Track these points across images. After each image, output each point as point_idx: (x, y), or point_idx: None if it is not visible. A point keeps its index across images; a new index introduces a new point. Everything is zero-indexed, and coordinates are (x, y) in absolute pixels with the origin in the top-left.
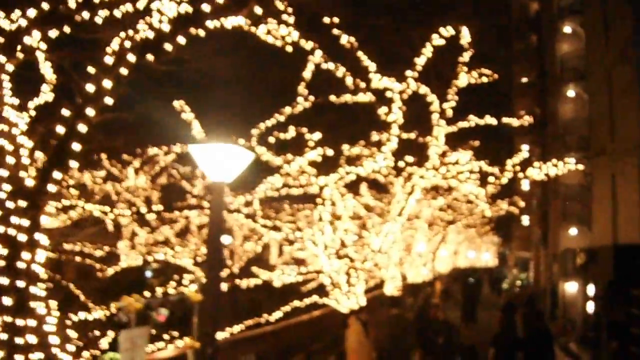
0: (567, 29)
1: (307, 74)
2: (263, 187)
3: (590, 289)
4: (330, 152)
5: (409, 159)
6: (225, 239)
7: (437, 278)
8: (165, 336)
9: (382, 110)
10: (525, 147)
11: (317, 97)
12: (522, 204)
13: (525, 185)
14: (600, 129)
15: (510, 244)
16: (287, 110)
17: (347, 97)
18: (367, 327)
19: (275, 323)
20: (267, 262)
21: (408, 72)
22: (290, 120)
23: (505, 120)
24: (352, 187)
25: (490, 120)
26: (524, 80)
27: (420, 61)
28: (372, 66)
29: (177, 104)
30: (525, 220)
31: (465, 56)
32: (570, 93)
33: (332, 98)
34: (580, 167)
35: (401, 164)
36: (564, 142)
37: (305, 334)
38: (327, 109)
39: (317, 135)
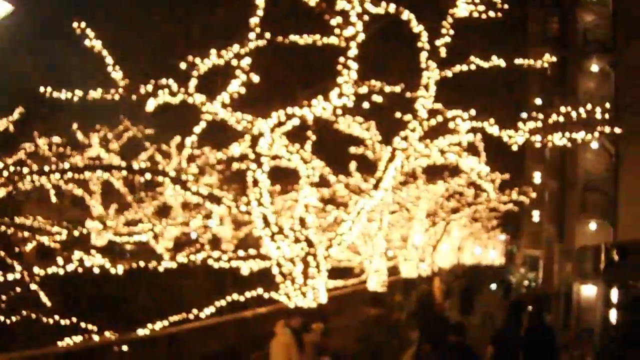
0: None
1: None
2: (189, 140)
3: (614, 294)
4: (256, 78)
5: (378, 98)
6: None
7: (437, 274)
8: None
9: (335, 22)
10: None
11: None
12: (533, 194)
13: (537, 178)
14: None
15: (519, 241)
16: (235, 48)
17: (316, 37)
18: (302, 337)
19: (205, 320)
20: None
21: None
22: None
23: (518, 61)
24: (341, 167)
25: (498, 61)
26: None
27: None
28: None
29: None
30: (536, 215)
31: None
32: (594, 68)
33: (295, 37)
34: (617, 130)
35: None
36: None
37: (242, 337)
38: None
39: (246, 61)
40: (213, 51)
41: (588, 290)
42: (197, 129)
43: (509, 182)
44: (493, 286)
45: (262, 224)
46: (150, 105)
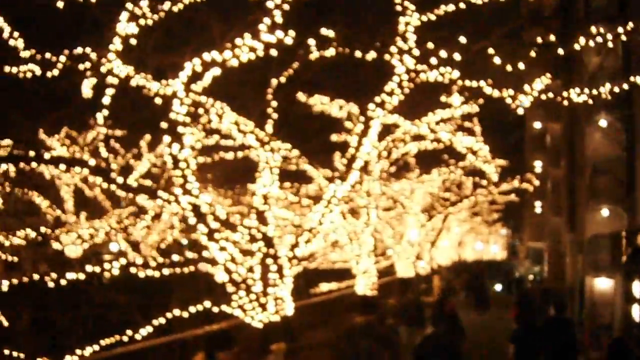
0: None
1: None
2: (100, 116)
3: (637, 287)
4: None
5: (327, 32)
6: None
7: (436, 272)
8: None
9: None
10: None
11: None
12: (536, 181)
13: (538, 167)
14: None
15: (521, 234)
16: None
17: None
18: None
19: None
20: None
21: None
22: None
23: None
24: (327, 160)
25: None
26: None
27: None
28: None
29: None
30: (538, 207)
31: None
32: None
33: None
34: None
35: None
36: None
37: None
38: None
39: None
40: None
41: (602, 284)
42: (106, 100)
43: (510, 170)
44: (498, 287)
45: (194, 219)
46: (86, 87)
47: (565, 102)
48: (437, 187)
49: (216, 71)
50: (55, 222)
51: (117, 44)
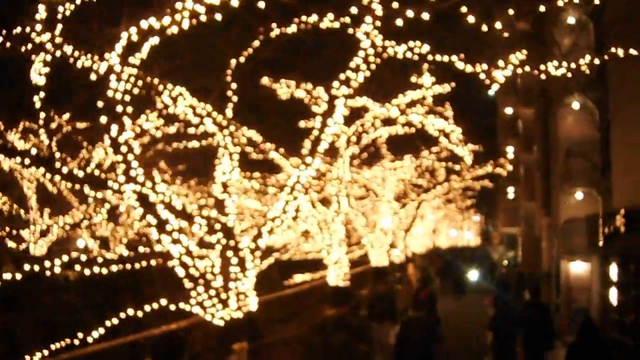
0: None
1: None
2: (37, 99)
3: (614, 270)
4: None
5: None
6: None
7: (411, 259)
8: None
9: None
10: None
11: None
12: (509, 166)
13: (510, 153)
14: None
15: (494, 220)
16: None
17: None
18: None
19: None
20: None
21: None
22: None
23: None
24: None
25: None
26: None
27: None
28: None
29: None
30: (511, 193)
31: None
32: (570, 20)
33: None
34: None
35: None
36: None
37: None
38: None
39: None
40: None
41: (578, 268)
42: (41, 80)
43: (483, 155)
44: (473, 273)
45: (141, 209)
46: (34, 72)
47: (543, 76)
48: (409, 173)
49: (155, 40)
50: (15, 219)
51: (41, 12)
